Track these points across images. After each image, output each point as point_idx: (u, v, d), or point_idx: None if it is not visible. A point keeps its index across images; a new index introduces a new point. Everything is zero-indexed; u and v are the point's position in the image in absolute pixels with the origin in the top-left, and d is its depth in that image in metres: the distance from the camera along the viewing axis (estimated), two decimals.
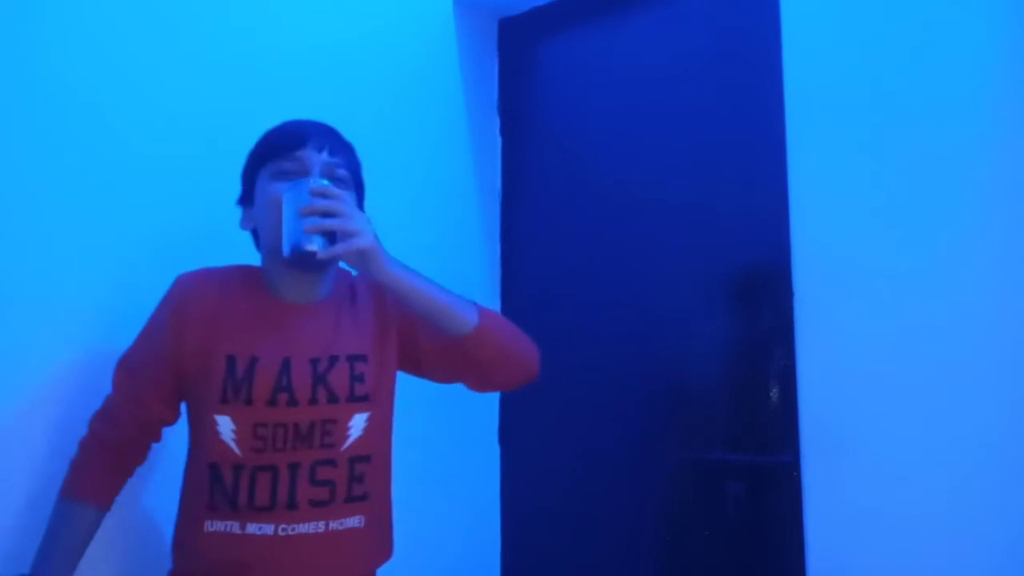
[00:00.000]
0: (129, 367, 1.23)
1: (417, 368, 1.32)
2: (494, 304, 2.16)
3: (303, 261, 1.11)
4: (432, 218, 2.03)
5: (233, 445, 1.15)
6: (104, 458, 1.22)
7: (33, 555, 1.17)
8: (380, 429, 1.25)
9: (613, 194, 2.02)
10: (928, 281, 1.49)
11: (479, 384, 1.32)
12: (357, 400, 1.21)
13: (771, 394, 1.71)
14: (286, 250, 1.10)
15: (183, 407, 1.26)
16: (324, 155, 1.20)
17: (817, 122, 1.64)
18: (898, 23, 1.56)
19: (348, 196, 1.17)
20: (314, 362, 1.19)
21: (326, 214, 1.09)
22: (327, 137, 1.22)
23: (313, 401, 1.17)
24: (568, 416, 2.01)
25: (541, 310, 2.10)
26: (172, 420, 1.26)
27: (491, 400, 2.15)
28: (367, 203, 1.33)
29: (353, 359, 1.22)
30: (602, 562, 1.93)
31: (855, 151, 1.59)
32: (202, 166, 1.58)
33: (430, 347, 1.27)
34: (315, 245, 1.09)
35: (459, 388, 1.35)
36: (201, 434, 1.18)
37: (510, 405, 2.14)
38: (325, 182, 1.13)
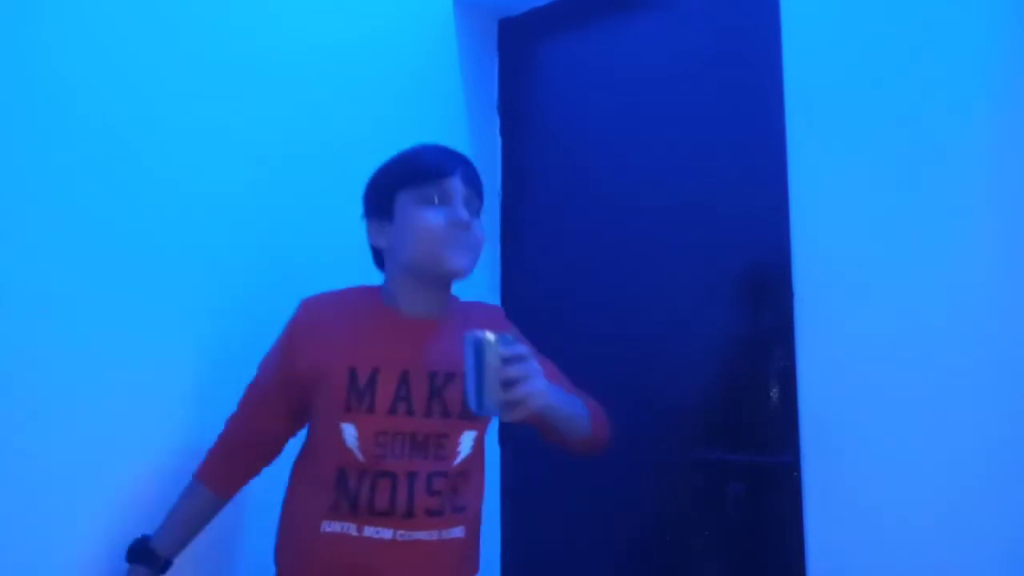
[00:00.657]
0: (254, 382, 1.35)
1: None
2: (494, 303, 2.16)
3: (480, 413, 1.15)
4: None
5: (357, 451, 1.23)
6: (228, 454, 1.36)
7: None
8: (482, 447, 1.35)
9: (613, 194, 2.02)
10: (928, 281, 1.49)
11: (549, 444, 1.43)
12: (466, 418, 1.27)
13: (771, 394, 1.71)
14: (475, 407, 1.13)
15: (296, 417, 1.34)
16: (467, 188, 1.30)
17: (817, 122, 1.64)
18: (898, 23, 1.56)
19: (528, 355, 1.15)
20: (432, 376, 1.27)
21: (515, 381, 1.11)
22: (467, 170, 1.31)
23: (428, 414, 1.26)
24: None
25: (541, 310, 2.10)
26: (287, 435, 1.36)
27: None
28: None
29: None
30: (602, 562, 1.93)
31: (855, 151, 1.59)
32: (202, 166, 1.58)
33: None
34: (496, 412, 1.14)
35: None
36: (325, 441, 1.26)
37: None
38: (512, 345, 1.13)
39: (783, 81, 1.69)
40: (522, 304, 2.15)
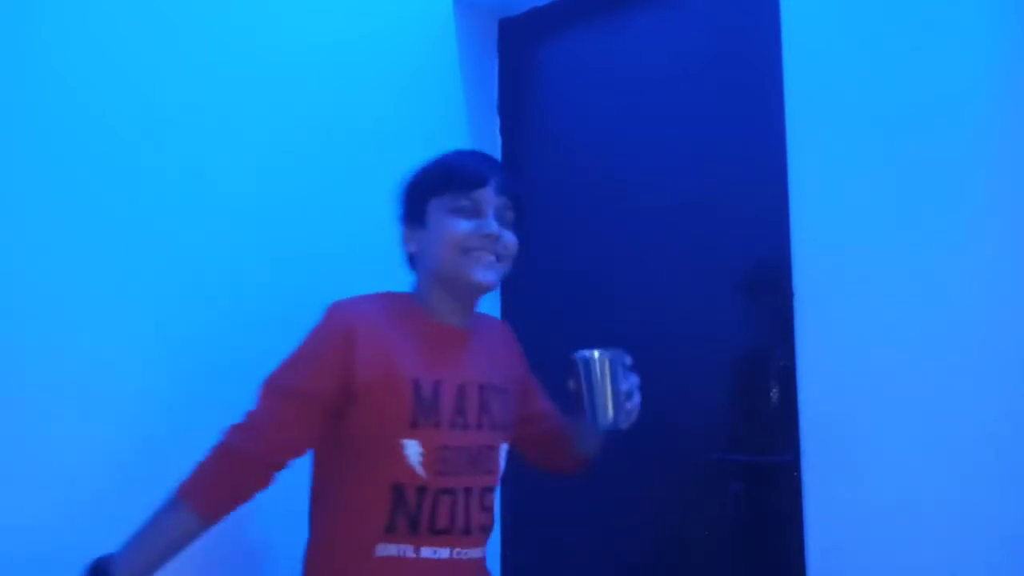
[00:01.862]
0: (281, 388, 1.19)
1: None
2: (494, 304, 2.16)
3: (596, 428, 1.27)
4: None
5: (419, 468, 1.18)
6: (229, 470, 1.17)
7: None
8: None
9: (613, 194, 2.02)
10: (928, 281, 1.49)
11: (534, 463, 1.47)
12: (504, 429, 1.29)
13: (771, 394, 1.71)
14: (603, 423, 1.23)
15: (329, 438, 1.23)
16: (500, 198, 1.27)
17: (817, 122, 1.64)
18: (898, 23, 1.56)
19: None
20: (482, 388, 1.26)
21: (631, 393, 1.28)
22: (502, 180, 1.28)
23: (480, 426, 1.24)
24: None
25: (540, 310, 2.10)
26: (304, 450, 1.23)
27: None
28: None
29: (503, 391, 1.31)
30: (602, 562, 1.93)
31: (855, 151, 1.59)
32: (202, 166, 1.58)
33: (531, 415, 1.42)
34: (616, 424, 1.25)
35: None
36: (377, 457, 1.18)
37: None
38: (623, 357, 1.29)
39: (783, 81, 1.69)
40: (522, 304, 2.15)
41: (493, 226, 1.24)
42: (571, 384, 1.27)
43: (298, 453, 1.22)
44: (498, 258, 1.26)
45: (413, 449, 1.18)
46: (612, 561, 1.92)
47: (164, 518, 1.14)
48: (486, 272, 1.24)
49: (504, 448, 1.30)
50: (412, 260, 1.33)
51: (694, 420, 1.83)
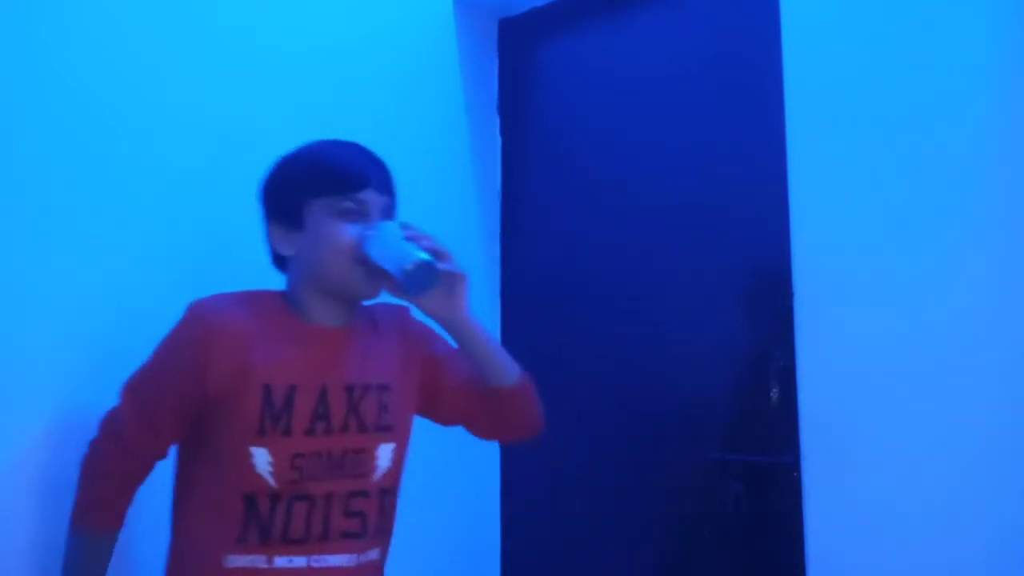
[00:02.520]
0: (142, 392, 1.18)
1: (429, 408, 1.33)
2: (494, 304, 2.16)
3: (414, 279, 1.13)
4: (432, 218, 2.02)
5: (269, 477, 1.12)
6: (117, 484, 1.18)
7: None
8: (402, 462, 1.26)
9: (613, 194, 2.02)
10: (928, 281, 1.49)
11: (486, 433, 1.38)
12: (383, 430, 1.21)
13: (771, 394, 1.71)
14: (400, 273, 1.12)
15: (183, 441, 1.22)
16: (384, 198, 1.21)
17: (817, 122, 1.64)
18: (898, 23, 1.56)
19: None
20: (349, 389, 1.19)
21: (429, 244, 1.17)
22: (384, 177, 1.23)
23: (344, 429, 1.17)
24: (568, 416, 2.01)
25: (541, 310, 2.10)
26: (169, 449, 1.21)
27: None
28: None
29: (381, 388, 1.22)
30: (602, 562, 1.93)
31: (855, 151, 1.59)
32: (202, 166, 1.58)
33: (452, 392, 1.31)
34: (428, 256, 1.14)
35: None
36: (229, 465, 1.13)
37: None
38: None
39: (783, 81, 1.69)
40: (522, 304, 2.15)
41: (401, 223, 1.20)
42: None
43: (163, 455, 1.21)
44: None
45: (261, 458, 1.12)
46: (612, 561, 1.92)
47: (79, 556, 1.17)
48: (376, 284, 1.19)
49: (387, 448, 1.21)
50: (282, 260, 1.25)
51: (694, 420, 1.83)
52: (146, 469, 1.20)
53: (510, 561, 2.10)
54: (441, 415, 1.35)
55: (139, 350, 1.46)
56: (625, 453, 1.92)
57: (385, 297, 1.24)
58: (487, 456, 2.12)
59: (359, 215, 1.18)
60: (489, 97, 2.26)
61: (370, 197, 1.19)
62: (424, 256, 1.13)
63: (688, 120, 1.92)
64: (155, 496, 1.23)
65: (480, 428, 1.35)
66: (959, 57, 1.49)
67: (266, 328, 1.17)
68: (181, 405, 1.16)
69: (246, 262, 1.63)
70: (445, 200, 2.09)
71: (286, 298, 1.23)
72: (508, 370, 1.28)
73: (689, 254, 1.87)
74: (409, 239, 1.16)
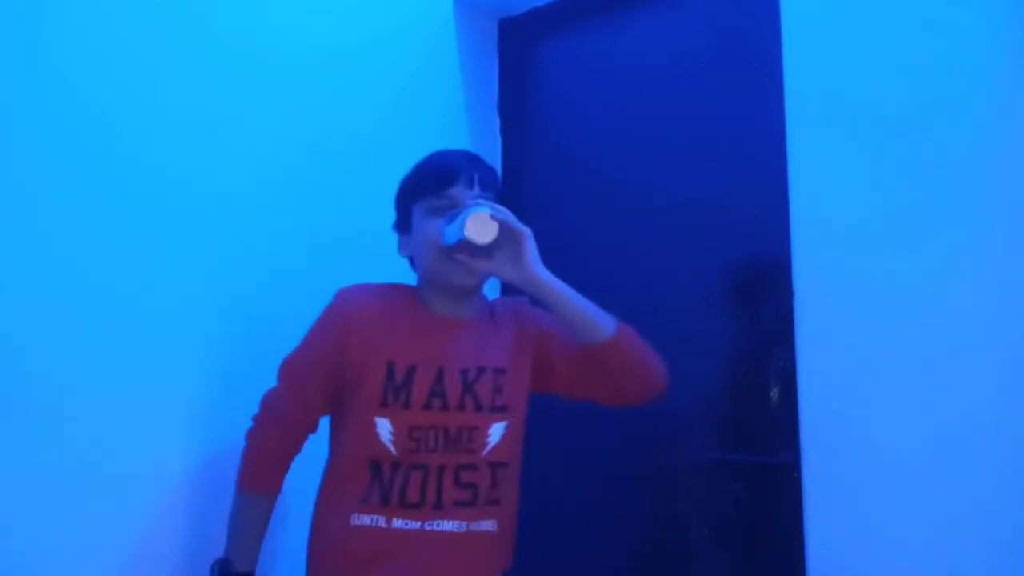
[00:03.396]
0: (295, 370, 1.34)
1: (548, 383, 1.44)
2: None
3: (475, 231, 1.23)
4: None
5: (390, 445, 1.27)
6: (275, 451, 1.34)
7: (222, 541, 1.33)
8: (515, 439, 1.37)
9: (613, 194, 2.02)
10: (928, 281, 1.49)
11: (609, 397, 1.43)
12: (497, 410, 1.33)
13: (771, 394, 1.71)
14: (463, 231, 1.22)
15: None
16: (475, 190, 1.32)
17: (817, 122, 1.64)
18: (899, 23, 1.56)
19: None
20: (464, 372, 1.32)
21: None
22: (474, 171, 1.34)
23: (461, 407, 1.30)
24: (567, 416, 2.01)
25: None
26: (318, 422, 1.37)
27: None
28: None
29: (496, 372, 1.35)
30: (601, 562, 1.93)
31: (855, 151, 1.59)
32: (202, 166, 1.59)
33: (563, 360, 1.40)
34: (483, 207, 1.24)
35: None
36: (358, 434, 1.29)
37: None
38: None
39: (783, 81, 1.69)
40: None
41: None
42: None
43: (314, 428, 1.36)
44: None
45: (384, 427, 1.27)
46: (612, 560, 1.92)
47: (241, 514, 1.33)
48: (464, 276, 1.31)
49: (499, 427, 1.33)
50: (411, 263, 1.41)
51: (694, 420, 1.83)
52: (299, 440, 1.36)
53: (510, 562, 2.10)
54: (561, 388, 1.44)
55: (141, 350, 1.46)
56: (625, 453, 1.92)
57: (499, 292, 1.39)
58: None
59: (449, 210, 1.30)
60: (489, 97, 2.26)
61: (458, 192, 1.31)
62: (478, 208, 1.23)
63: (688, 120, 1.91)
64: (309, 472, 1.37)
65: (600, 393, 1.42)
66: (959, 57, 1.49)
67: (395, 316, 1.33)
68: (326, 381, 1.32)
69: (246, 262, 1.64)
70: None
71: (416, 292, 1.38)
72: (600, 324, 1.35)
73: (689, 254, 1.87)
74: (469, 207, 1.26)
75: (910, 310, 1.50)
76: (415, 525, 1.26)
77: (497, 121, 2.26)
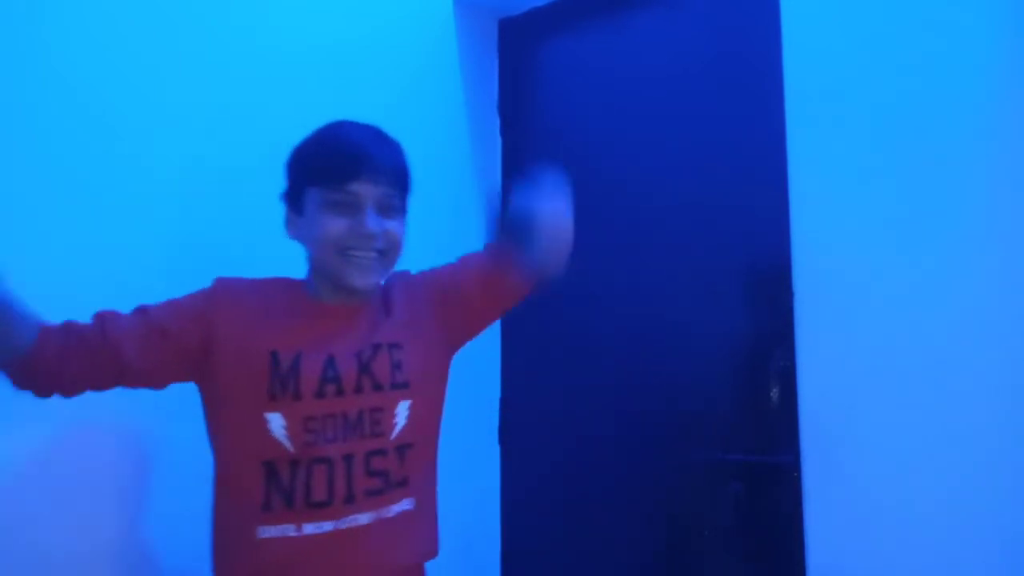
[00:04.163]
0: (145, 312, 1.16)
1: (475, 317, 1.35)
2: None
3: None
4: (431, 218, 2.03)
5: (286, 441, 1.14)
6: (76, 345, 1.11)
7: None
8: (423, 417, 1.25)
9: (613, 194, 2.02)
10: (928, 281, 1.49)
11: (523, 265, 1.26)
12: (398, 387, 1.21)
13: (771, 394, 1.71)
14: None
15: (204, 414, 1.21)
16: (380, 188, 1.19)
17: (817, 122, 1.64)
18: (898, 23, 1.56)
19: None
20: (358, 353, 1.20)
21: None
22: (380, 165, 1.19)
23: (358, 390, 1.18)
24: (568, 416, 2.01)
25: (540, 310, 2.10)
26: (133, 375, 1.14)
27: (491, 400, 2.15)
28: None
29: (392, 347, 1.23)
30: (602, 562, 1.93)
31: (855, 151, 1.59)
32: (202, 167, 1.58)
33: (460, 290, 1.32)
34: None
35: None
36: (247, 434, 1.15)
37: (510, 405, 2.14)
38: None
39: (783, 81, 1.69)
40: (521, 304, 2.14)
41: (369, 226, 1.16)
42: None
43: (125, 374, 1.14)
44: (381, 254, 1.19)
45: (276, 422, 1.14)
46: (612, 561, 1.92)
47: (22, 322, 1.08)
48: (365, 275, 1.19)
49: (404, 405, 1.21)
50: (291, 234, 1.27)
51: (694, 420, 1.83)
52: (110, 366, 1.13)
53: (510, 561, 2.10)
54: (486, 306, 1.36)
55: None
56: (625, 453, 1.92)
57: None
58: (487, 456, 2.12)
59: (350, 207, 1.17)
60: (489, 97, 2.26)
61: (361, 189, 1.17)
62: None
63: (688, 120, 1.92)
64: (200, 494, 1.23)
65: (513, 269, 1.28)
66: (959, 57, 1.49)
67: (277, 304, 1.21)
68: (177, 342, 1.14)
69: (246, 262, 1.63)
70: (445, 200, 2.09)
71: (303, 283, 1.26)
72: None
73: (689, 254, 1.87)
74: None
75: (910, 310, 1.50)
76: (328, 527, 1.13)
77: (497, 121, 2.26)
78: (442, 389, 1.32)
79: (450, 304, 1.32)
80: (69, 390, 1.14)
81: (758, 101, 1.76)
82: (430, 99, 2.08)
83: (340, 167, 1.17)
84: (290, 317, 1.21)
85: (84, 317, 1.39)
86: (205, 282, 1.55)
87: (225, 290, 1.21)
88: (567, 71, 2.17)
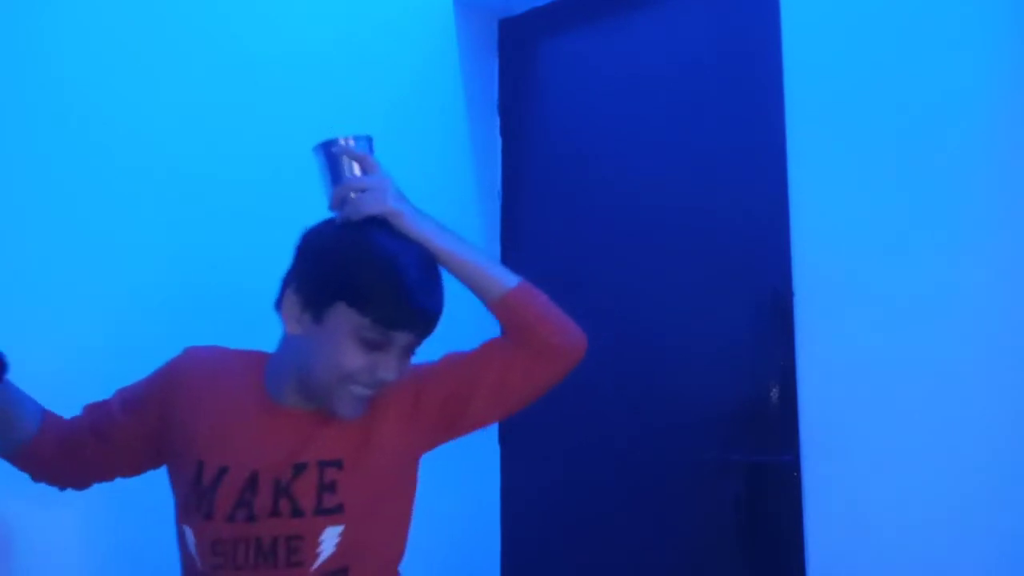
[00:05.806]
0: (95, 409, 1.14)
1: (463, 417, 1.16)
2: None
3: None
4: None
5: (197, 559, 1.06)
6: (65, 438, 1.12)
7: None
8: (359, 544, 1.08)
9: (613, 194, 2.02)
10: (927, 281, 1.49)
11: (524, 372, 1.17)
12: (326, 512, 1.06)
13: (771, 394, 1.71)
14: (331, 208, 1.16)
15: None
16: (417, 337, 1.07)
17: (817, 123, 1.64)
18: (898, 24, 1.56)
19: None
20: (278, 473, 1.07)
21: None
22: (429, 321, 1.07)
23: (275, 514, 1.05)
24: (568, 416, 2.01)
25: None
26: (95, 472, 1.15)
27: None
28: None
29: (323, 466, 1.08)
30: (602, 562, 1.93)
31: (855, 152, 1.59)
32: (202, 168, 1.59)
33: (455, 374, 1.16)
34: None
35: None
36: (178, 532, 1.10)
37: None
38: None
39: (783, 81, 1.70)
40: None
41: (392, 374, 1.06)
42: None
43: (86, 473, 1.15)
44: (375, 391, 1.08)
45: (189, 537, 1.07)
46: (612, 561, 1.92)
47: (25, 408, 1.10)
48: (356, 408, 1.07)
49: (333, 531, 1.06)
50: (292, 340, 1.10)
51: (694, 420, 1.83)
52: (76, 449, 1.12)
53: (510, 561, 2.10)
54: (480, 413, 1.17)
55: (139, 350, 1.46)
56: (625, 453, 1.92)
57: None
58: (487, 456, 2.12)
59: (378, 346, 1.04)
60: (489, 97, 2.26)
61: (402, 338, 1.05)
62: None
63: (688, 120, 1.92)
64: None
65: (514, 369, 1.15)
66: (959, 58, 1.49)
67: (226, 397, 1.12)
68: (129, 438, 1.12)
69: (246, 263, 1.63)
70: (445, 200, 2.09)
71: (266, 369, 1.13)
72: (501, 276, 1.13)
73: (689, 254, 1.87)
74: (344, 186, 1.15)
75: (909, 311, 1.50)
76: None
77: (497, 121, 2.26)
78: (405, 503, 1.16)
79: (454, 400, 1.15)
80: (80, 485, 1.17)
81: (758, 101, 1.76)
82: (430, 99, 2.08)
83: (394, 316, 1.03)
84: (233, 412, 1.10)
85: (82, 320, 1.39)
86: (206, 283, 1.56)
87: (184, 374, 1.13)
88: (567, 71, 2.17)
